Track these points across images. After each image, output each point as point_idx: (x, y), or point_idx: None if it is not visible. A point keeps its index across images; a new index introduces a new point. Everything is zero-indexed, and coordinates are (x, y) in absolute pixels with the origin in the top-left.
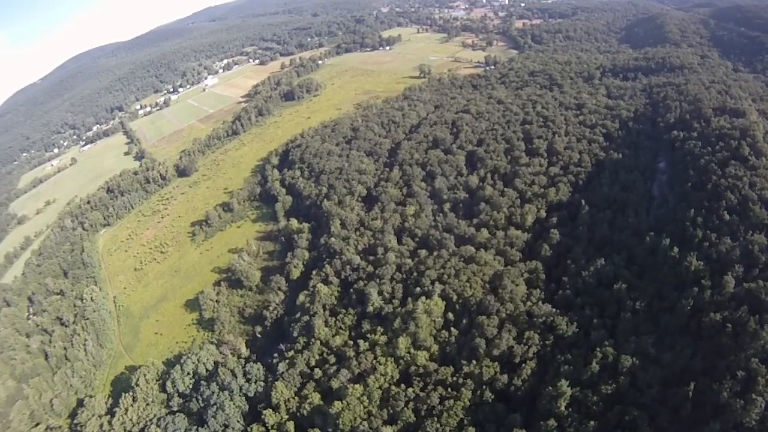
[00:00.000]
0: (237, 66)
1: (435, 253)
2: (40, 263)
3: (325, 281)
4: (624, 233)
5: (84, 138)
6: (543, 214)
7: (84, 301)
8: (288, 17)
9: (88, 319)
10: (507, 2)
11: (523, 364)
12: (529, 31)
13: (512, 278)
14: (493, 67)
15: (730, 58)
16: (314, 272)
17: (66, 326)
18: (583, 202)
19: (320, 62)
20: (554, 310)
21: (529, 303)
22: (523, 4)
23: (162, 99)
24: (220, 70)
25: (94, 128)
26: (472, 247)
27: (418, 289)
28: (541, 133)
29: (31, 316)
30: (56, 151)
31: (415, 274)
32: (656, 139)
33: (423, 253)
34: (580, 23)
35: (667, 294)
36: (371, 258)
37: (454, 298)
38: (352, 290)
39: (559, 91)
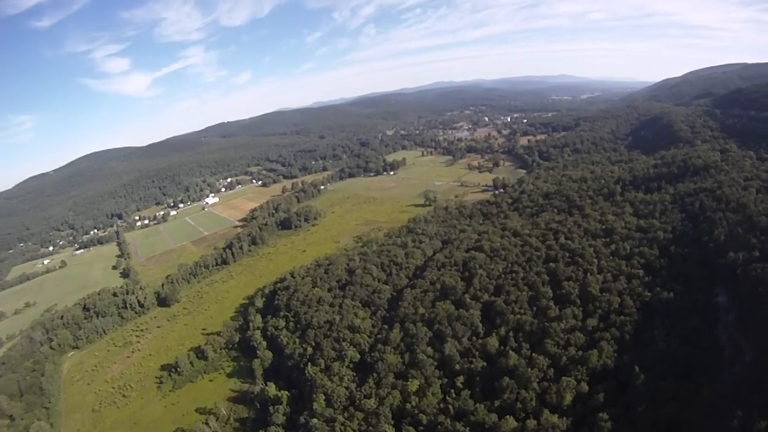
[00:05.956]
0: (240, 186)
1: None
2: (2, 374)
3: None
4: (695, 411)
5: (79, 241)
6: (585, 387)
7: None
8: (295, 138)
9: None
10: (509, 120)
11: None
12: (536, 148)
13: None
14: (502, 190)
15: (750, 147)
16: None
17: None
18: (637, 369)
19: (322, 187)
20: None
21: None
22: (525, 121)
23: (161, 213)
24: (223, 189)
25: (91, 233)
26: None
27: None
28: (570, 273)
29: None
30: (51, 249)
31: None
32: (707, 264)
33: None
34: (585, 134)
35: None
36: None
37: None
38: None
39: (581, 215)
